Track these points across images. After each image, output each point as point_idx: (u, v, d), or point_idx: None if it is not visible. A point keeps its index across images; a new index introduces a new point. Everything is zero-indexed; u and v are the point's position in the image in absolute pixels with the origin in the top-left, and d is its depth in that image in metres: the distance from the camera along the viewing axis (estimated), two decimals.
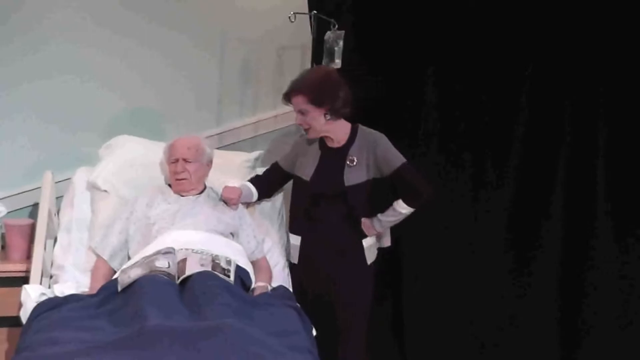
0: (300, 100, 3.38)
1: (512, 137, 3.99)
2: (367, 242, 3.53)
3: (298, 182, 3.55)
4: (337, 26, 3.79)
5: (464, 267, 4.05)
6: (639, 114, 3.88)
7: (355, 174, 3.42)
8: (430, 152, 4.02)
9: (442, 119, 4.02)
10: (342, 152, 3.46)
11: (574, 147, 3.95)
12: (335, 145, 3.48)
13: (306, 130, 3.46)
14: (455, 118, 4.01)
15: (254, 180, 3.69)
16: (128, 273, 3.14)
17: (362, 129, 3.50)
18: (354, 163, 3.42)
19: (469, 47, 3.96)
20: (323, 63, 3.80)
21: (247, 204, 3.70)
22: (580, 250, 3.97)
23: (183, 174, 3.50)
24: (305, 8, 3.98)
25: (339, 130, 3.46)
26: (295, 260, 3.60)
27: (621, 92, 3.88)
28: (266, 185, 3.69)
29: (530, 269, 4.03)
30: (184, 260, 3.17)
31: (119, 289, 3.11)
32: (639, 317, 3.97)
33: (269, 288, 3.37)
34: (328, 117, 3.39)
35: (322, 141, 3.52)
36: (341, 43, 3.77)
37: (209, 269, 3.14)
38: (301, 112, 3.40)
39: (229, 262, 3.22)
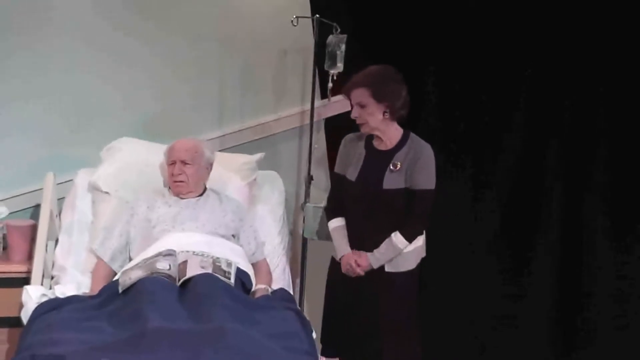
0: (361, 93, 3.33)
1: (511, 137, 4.00)
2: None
3: (341, 179, 3.51)
4: (339, 30, 3.79)
5: (464, 267, 4.06)
6: (638, 115, 3.89)
7: (395, 179, 3.37)
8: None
9: (442, 119, 4.03)
10: (388, 155, 3.40)
11: (573, 146, 3.96)
12: (383, 147, 3.43)
13: (360, 124, 3.40)
14: (455, 118, 4.03)
15: (334, 210, 3.57)
16: (129, 274, 3.15)
17: (413, 136, 3.44)
18: (397, 168, 3.37)
19: (469, 47, 3.98)
20: (325, 67, 3.80)
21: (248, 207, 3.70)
22: (578, 251, 3.98)
23: (180, 177, 3.50)
24: (307, 11, 3.99)
25: (391, 132, 3.41)
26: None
27: (621, 93, 3.89)
28: (340, 199, 3.55)
29: (530, 269, 4.04)
30: (185, 263, 3.17)
31: (120, 290, 3.12)
32: (638, 318, 3.97)
33: (270, 290, 3.37)
34: (386, 115, 3.35)
35: (368, 142, 3.48)
36: (343, 47, 3.77)
37: (210, 271, 3.15)
38: (360, 105, 3.34)
39: (229, 264, 3.23)
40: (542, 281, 4.02)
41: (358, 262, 3.41)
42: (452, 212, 4.01)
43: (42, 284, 3.39)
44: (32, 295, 3.21)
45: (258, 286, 3.37)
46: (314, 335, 3.15)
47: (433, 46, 3.99)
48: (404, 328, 3.48)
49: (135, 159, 3.75)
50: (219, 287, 3.09)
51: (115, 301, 3.10)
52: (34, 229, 3.70)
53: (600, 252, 3.96)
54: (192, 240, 3.32)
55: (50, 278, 3.53)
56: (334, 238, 3.53)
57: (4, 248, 3.79)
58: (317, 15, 3.89)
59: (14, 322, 3.32)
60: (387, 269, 3.42)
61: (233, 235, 3.51)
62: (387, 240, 3.38)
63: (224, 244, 3.40)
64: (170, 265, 3.15)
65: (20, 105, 3.90)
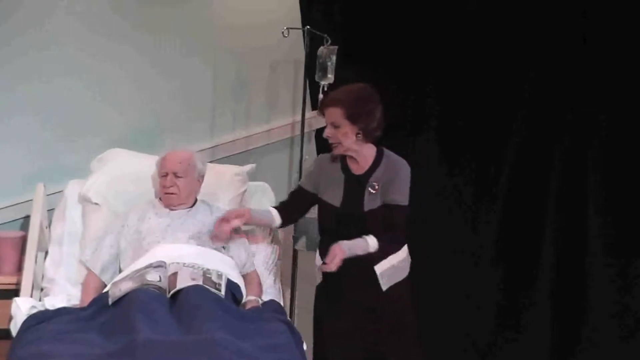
0: (335, 113, 3.23)
1: (510, 147, 4.02)
2: (380, 268, 3.33)
3: (326, 206, 3.38)
4: (330, 41, 3.80)
5: (462, 276, 4.07)
6: (638, 123, 3.90)
7: (374, 199, 3.29)
8: (431, 161, 4.05)
9: (443, 130, 4.05)
10: (365, 177, 3.31)
11: (575, 155, 3.98)
12: (358, 171, 3.33)
13: (333, 145, 3.31)
14: (457, 127, 4.04)
15: (278, 206, 3.51)
16: (119, 286, 3.14)
17: (387, 154, 3.35)
18: (376, 190, 3.29)
19: (468, 55, 4.00)
20: (316, 78, 3.81)
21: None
22: (581, 261, 3.98)
23: (172, 189, 3.49)
24: (298, 23, 4.00)
25: (365, 152, 3.31)
26: (318, 281, 3.48)
27: (621, 104, 3.90)
28: (291, 208, 3.48)
29: (529, 276, 4.04)
30: (175, 274, 3.16)
31: (110, 302, 3.11)
32: (637, 325, 3.98)
33: (260, 302, 3.37)
34: (360, 136, 3.25)
35: (344, 165, 3.38)
36: (334, 58, 3.78)
37: (200, 282, 3.14)
38: (333, 125, 3.24)
39: (220, 275, 3.22)
40: (541, 288, 4.02)
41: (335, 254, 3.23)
42: (451, 222, 4.02)
43: (31, 296, 3.38)
44: (22, 307, 3.19)
45: (248, 297, 3.36)
46: (305, 347, 3.15)
47: (433, 57, 3.99)
48: (409, 331, 3.42)
49: (125, 170, 3.74)
50: (210, 299, 3.08)
51: (105, 313, 3.09)
52: (23, 240, 3.69)
53: (603, 261, 3.96)
54: (183, 252, 3.32)
55: (40, 290, 3.52)
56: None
57: None
58: (308, 27, 3.90)
59: (3, 334, 3.30)
60: (384, 288, 3.34)
61: (223, 247, 3.50)
62: (360, 238, 3.26)
63: (214, 256, 3.39)
64: (160, 277, 3.14)
65: (10, 116, 3.89)
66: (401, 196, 3.27)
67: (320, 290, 3.45)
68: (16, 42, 3.86)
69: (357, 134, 3.24)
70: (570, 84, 3.96)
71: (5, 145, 3.90)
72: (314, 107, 4.05)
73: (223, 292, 3.17)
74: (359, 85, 3.32)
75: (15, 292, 3.45)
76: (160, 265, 3.19)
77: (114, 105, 4.05)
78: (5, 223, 3.89)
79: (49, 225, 3.78)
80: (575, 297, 4.02)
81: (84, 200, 3.69)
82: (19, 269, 3.63)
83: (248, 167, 3.94)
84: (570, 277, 4.01)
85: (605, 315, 3.99)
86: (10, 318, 3.19)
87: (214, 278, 3.19)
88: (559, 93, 3.99)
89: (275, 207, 3.49)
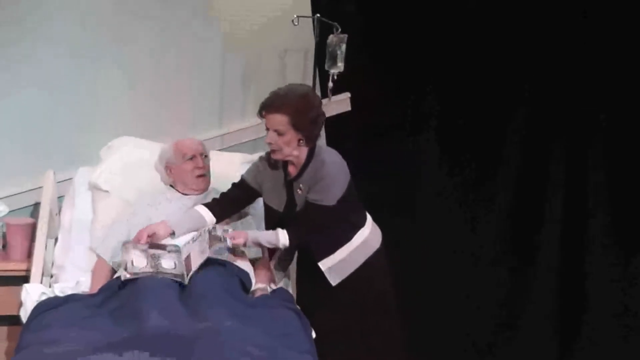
0: (279, 120, 3.13)
1: (510, 147, 4.01)
2: (325, 265, 3.30)
3: (270, 210, 3.36)
4: (340, 30, 3.79)
5: (462, 276, 4.07)
6: (637, 126, 3.89)
7: (301, 199, 3.25)
8: (431, 161, 4.04)
9: (441, 130, 4.04)
10: (295, 180, 3.26)
11: (575, 157, 3.97)
12: (293, 173, 3.27)
13: (273, 151, 3.21)
14: (457, 126, 4.04)
15: (211, 202, 3.38)
16: (131, 256, 3.12)
17: (317, 153, 3.24)
18: (300, 191, 3.23)
19: (469, 56, 3.99)
20: (326, 67, 3.80)
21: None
22: (577, 256, 3.98)
23: (203, 170, 3.49)
24: (308, 11, 3.99)
25: (301, 156, 3.24)
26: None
27: (621, 104, 3.89)
28: (229, 201, 3.38)
29: (528, 276, 4.04)
30: (189, 257, 3.16)
31: (122, 278, 3.11)
32: (638, 325, 3.98)
33: (269, 290, 3.37)
34: (302, 143, 3.19)
35: (285, 169, 3.31)
36: (344, 47, 3.77)
37: (208, 252, 3.16)
38: (277, 132, 3.15)
39: (225, 230, 3.22)
40: (542, 287, 4.01)
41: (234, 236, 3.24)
42: (451, 222, 4.01)
43: (41, 283, 3.39)
44: (32, 294, 3.21)
45: (257, 285, 3.36)
46: (314, 334, 3.15)
47: (427, 57, 3.98)
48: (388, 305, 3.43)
49: (135, 158, 3.75)
50: (219, 287, 3.09)
51: (114, 300, 3.11)
52: (33, 227, 3.70)
53: (603, 261, 3.95)
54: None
55: (49, 276, 3.54)
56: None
57: (4, 246, 3.78)
58: (318, 15, 3.89)
59: (13, 320, 3.33)
60: (334, 283, 3.31)
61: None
62: (272, 231, 3.26)
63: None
64: (175, 264, 3.13)
65: (20, 102, 3.89)
66: (321, 196, 3.19)
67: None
68: (28, 26, 3.84)
69: (300, 140, 3.18)
70: (570, 84, 3.95)
71: (16, 133, 3.90)
72: (323, 96, 4.04)
73: (229, 243, 3.18)
74: (304, 89, 3.26)
75: (25, 279, 3.47)
76: (175, 250, 3.15)
77: (124, 93, 4.05)
78: (15, 210, 3.90)
79: (59, 212, 3.79)
80: (576, 297, 4.02)
81: (94, 187, 3.70)
82: (29, 255, 3.64)
83: (257, 155, 3.93)
84: (570, 277, 4.01)
85: (605, 315, 3.99)
86: (21, 304, 3.21)
87: (219, 233, 3.19)
88: (559, 92, 3.98)
89: (205, 205, 3.36)
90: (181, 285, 3.11)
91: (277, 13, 4.14)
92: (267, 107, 3.17)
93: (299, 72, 4.23)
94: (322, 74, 3.97)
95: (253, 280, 3.37)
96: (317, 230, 3.23)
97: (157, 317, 2.85)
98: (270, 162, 3.33)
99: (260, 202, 3.43)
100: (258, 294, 3.32)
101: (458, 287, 4.10)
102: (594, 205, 3.98)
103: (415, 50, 4.05)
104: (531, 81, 4.00)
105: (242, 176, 3.40)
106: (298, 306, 3.24)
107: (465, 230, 4.11)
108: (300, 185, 3.24)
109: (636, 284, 3.99)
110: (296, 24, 3.86)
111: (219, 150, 4.03)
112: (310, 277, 3.36)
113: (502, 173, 4.07)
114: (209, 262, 3.21)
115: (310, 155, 3.24)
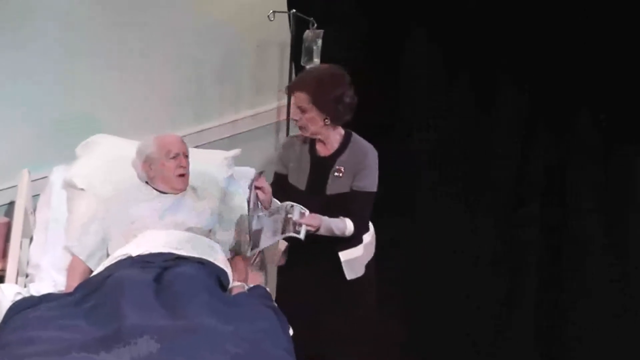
0: (302, 98, 3.18)
1: (509, 146, 4.02)
2: (345, 256, 3.35)
3: (292, 188, 3.37)
4: (316, 25, 3.79)
5: (462, 276, 4.08)
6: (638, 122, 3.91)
7: (339, 184, 3.27)
8: (431, 161, 4.05)
9: (440, 130, 4.04)
10: (330, 160, 3.29)
11: (574, 159, 3.99)
12: (324, 153, 3.31)
13: (300, 128, 3.27)
14: (456, 128, 4.04)
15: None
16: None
17: (355, 138, 3.32)
18: (341, 174, 3.27)
19: (469, 56, 3.99)
20: (302, 62, 3.80)
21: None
22: (578, 256, 3.99)
23: (184, 170, 3.47)
24: (284, 6, 3.98)
25: (333, 136, 3.28)
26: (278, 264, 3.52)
27: (621, 104, 3.89)
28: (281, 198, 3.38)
29: (528, 276, 4.05)
30: (259, 231, 3.28)
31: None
32: (638, 325, 3.99)
33: (246, 288, 3.37)
34: (328, 122, 3.22)
35: (312, 146, 3.34)
36: (320, 42, 3.78)
37: (279, 235, 3.23)
38: (301, 110, 3.21)
39: (302, 213, 3.20)
40: (543, 294, 4.03)
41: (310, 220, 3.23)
42: (453, 223, 4.03)
43: (16, 282, 3.37)
44: (7, 294, 3.18)
45: (234, 283, 3.37)
46: (291, 332, 3.16)
47: (435, 50, 3.98)
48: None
49: (111, 156, 3.73)
50: (197, 284, 3.09)
51: (91, 298, 3.09)
52: (8, 226, 3.67)
53: (603, 261, 3.96)
54: (171, 239, 3.32)
55: (25, 276, 3.51)
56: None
57: None
58: (294, 10, 3.88)
59: None
60: (349, 277, 3.36)
61: (210, 231, 3.49)
62: (339, 219, 3.26)
63: (202, 241, 3.39)
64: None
65: None
66: (368, 183, 3.24)
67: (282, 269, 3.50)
68: (11, 27, 3.79)
69: (325, 119, 3.20)
70: (570, 84, 3.95)
71: None
72: None
73: (303, 231, 3.17)
74: (328, 68, 3.28)
75: (0, 279, 3.44)
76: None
77: (99, 91, 4.02)
78: None
79: (34, 211, 3.76)
80: (576, 297, 4.04)
81: (69, 185, 3.68)
82: (4, 255, 3.61)
83: (233, 152, 3.93)
84: (570, 277, 4.03)
85: (605, 315, 4.00)
86: None
87: (296, 215, 3.18)
88: (559, 92, 3.98)
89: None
90: (158, 282, 3.10)
91: (253, 8, 4.12)
92: (293, 84, 3.27)
93: (275, 67, 4.23)
94: (298, 69, 3.96)
95: (230, 279, 3.37)
96: (365, 219, 3.28)
97: (135, 316, 2.84)
98: (295, 142, 3.38)
99: None
100: (235, 291, 3.32)
101: (458, 287, 4.09)
102: (595, 205, 3.99)
103: (413, 50, 4.03)
104: (531, 81, 4.01)
105: (275, 171, 3.46)
106: (275, 304, 3.24)
107: (466, 230, 4.11)
108: (341, 168, 3.25)
109: (637, 284, 4.00)
110: (272, 19, 3.86)
111: (195, 147, 4.01)
112: (309, 277, 3.36)
113: (501, 173, 4.08)
114: (186, 260, 3.22)
115: (348, 138, 3.29)
